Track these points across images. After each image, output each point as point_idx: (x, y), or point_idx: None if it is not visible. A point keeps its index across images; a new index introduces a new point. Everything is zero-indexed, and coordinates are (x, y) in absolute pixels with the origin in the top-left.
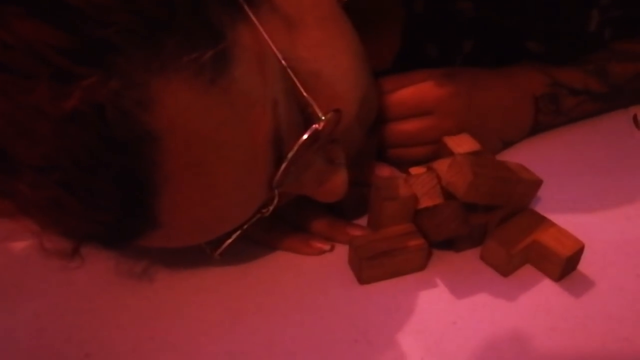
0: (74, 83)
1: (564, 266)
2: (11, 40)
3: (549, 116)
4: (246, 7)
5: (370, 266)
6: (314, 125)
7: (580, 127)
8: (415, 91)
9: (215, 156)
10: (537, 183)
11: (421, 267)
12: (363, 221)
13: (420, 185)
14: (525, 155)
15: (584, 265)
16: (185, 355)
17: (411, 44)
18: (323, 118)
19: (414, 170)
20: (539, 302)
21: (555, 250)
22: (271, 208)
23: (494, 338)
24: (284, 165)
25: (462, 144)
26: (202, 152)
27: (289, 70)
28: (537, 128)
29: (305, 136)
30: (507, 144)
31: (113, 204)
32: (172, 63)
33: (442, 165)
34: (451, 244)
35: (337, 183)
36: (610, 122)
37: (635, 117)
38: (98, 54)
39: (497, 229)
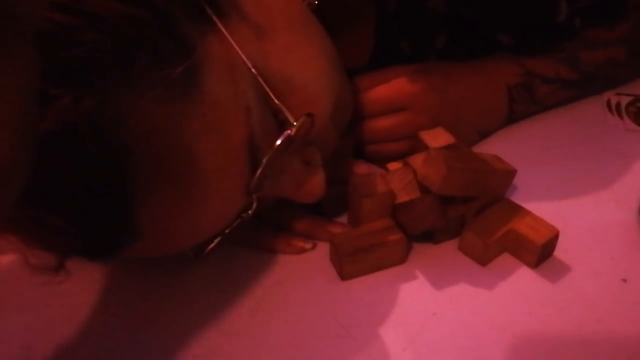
0: (48, 104)
1: (540, 253)
2: None
3: (523, 105)
4: (215, 19)
5: (351, 262)
6: (286, 131)
7: (555, 114)
8: (389, 88)
9: (190, 166)
10: (511, 173)
11: (401, 260)
12: (343, 219)
13: (397, 180)
14: (501, 146)
15: (559, 252)
16: (174, 354)
17: (385, 42)
18: (295, 124)
19: (391, 166)
20: (516, 289)
21: (531, 238)
22: (250, 212)
23: (474, 326)
24: (259, 171)
25: (437, 138)
26: (178, 164)
27: (259, 78)
28: (512, 117)
29: (278, 142)
30: (484, 135)
31: (93, 219)
32: (144, 78)
33: (417, 160)
34: (430, 237)
35: (315, 184)
36: (584, 108)
37: (608, 102)
38: (70, 74)
39: (474, 220)
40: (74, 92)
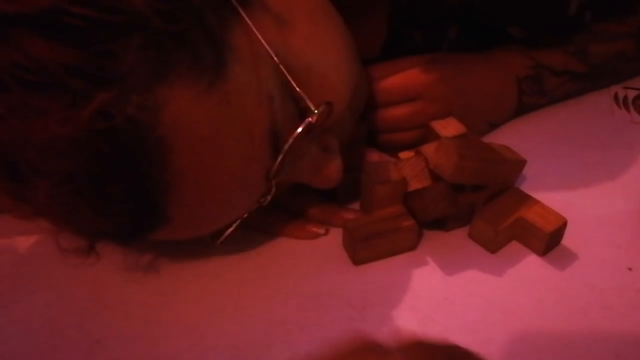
0: (86, 100)
1: (548, 241)
2: (22, 60)
3: (532, 97)
4: (240, 10)
5: (364, 247)
6: (307, 119)
7: (563, 107)
8: (402, 78)
9: (217, 153)
10: (521, 163)
11: (412, 246)
12: (355, 205)
13: (409, 168)
14: (511, 136)
15: (567, 240)
16: (191, 337)
17: (397, 32)
18: (315, 111)
19: (403, 155)
20: (525, 276)
21: (539, 226)
22: (269, 197)
23: (483, 311)
24: (280, 158)
25: (449, 128)
26: (205, 151)
27: (281, 67)
28: (521, 109)
29: (299, 129)
30: (493, 126)
31: (125, 206)
32: (175, 70)
33: (429, 149)
34: (440, 224)
35: (333, 170)
36: (591, 101)
37: (615, 95)
38: (107, 70)
39: (484, 208)
40: (109, 86)
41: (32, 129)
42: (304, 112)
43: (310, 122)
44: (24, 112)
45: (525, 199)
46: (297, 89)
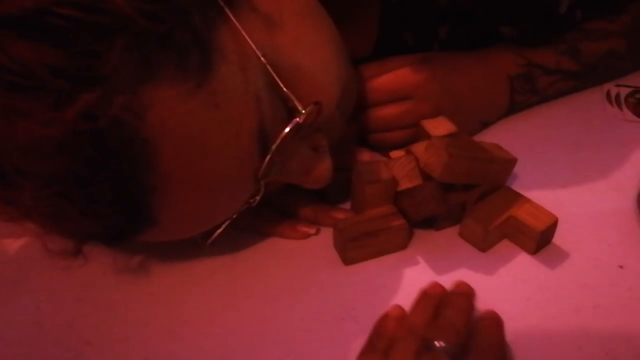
0: (70, 101)
1: (539, 240)
2: (5, 62)
3: (524, 96)
4: (227, 10)
5: (355, 247)
6: (295, 119)
7: (555, 105)
8: (393, 77)
9: (204, 155)
10: (511, 161)
11: (403, 246)
12: (346, 205)
13: (399, 167)
14: (502, 135)
15: (558, 238)
16: (181, 339)
17: (388, 32)
18: (303, 111)
19: (394, 154)
20: (516, 274)
21: (530, 224)
22: (258, 198)
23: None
24: (268, 158)
25: (439, 127)
26: (192, 152)
27: (268, 68)
28: (513, 108)
29: (287, 129)
30: (485, 124)
31: (111, 208)
32: (161, 71)
33: (419, 148)
34: (431, 223)
35: (323, 170)
36: (584, 99)
37: (608, 93)
38: (91, 70)
39: (475, 207)
40: (93, 87)
41: (16, 130)
42: (293, 113)
43: (298, 122)
44: (7, 114)
45: (516, 198)
46: (285, 89)
